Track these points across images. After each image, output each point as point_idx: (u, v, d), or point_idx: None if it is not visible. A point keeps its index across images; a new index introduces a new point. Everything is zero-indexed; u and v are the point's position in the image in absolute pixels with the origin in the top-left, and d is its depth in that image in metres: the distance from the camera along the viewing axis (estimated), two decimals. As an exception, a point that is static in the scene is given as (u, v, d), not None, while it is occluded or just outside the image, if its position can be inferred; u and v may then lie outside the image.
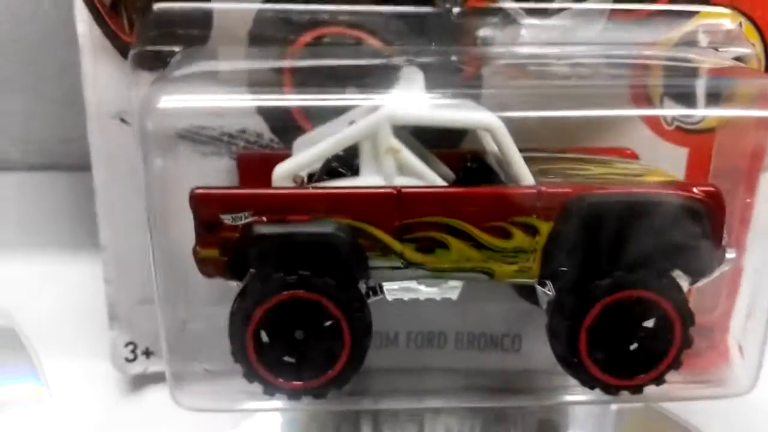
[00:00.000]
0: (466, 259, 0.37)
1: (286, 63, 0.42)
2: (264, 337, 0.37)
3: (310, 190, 0.37)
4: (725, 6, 0.47)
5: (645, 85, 0.47)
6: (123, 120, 0.49)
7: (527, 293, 0.48)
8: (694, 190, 0.38)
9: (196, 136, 0.50)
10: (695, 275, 0.39)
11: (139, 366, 0.52)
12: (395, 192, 0.37)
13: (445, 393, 0.49)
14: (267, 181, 0.43)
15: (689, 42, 0.48)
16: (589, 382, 0.39)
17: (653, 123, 0.50)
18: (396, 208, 0.37)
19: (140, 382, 0.52)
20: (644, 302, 0.37)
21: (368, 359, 0.39)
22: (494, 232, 0.37)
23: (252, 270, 0.37)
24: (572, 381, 0.45)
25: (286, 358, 0.37)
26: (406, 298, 0.40)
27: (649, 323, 0.37)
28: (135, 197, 0.50)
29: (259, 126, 0.50)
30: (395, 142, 0.37)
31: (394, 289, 0.39)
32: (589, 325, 0.37)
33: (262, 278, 0.37)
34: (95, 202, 0.51)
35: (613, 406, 0.51)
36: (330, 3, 0.46)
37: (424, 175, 0.38)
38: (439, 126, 0.37)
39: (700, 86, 0.47)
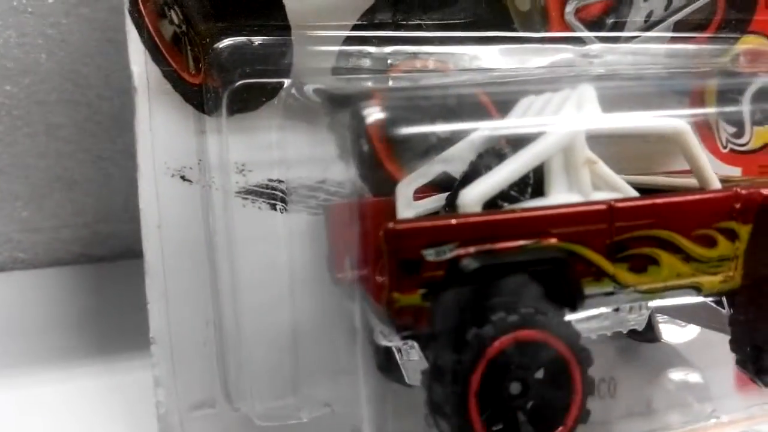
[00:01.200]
0: (676, 274, 0.34)
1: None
2: (490, 396, 0.30)
3: (523, 213, 0.32)
4: (757, 33, 0.52)
5: (703, 87, 0.50)
6: (184, 178, 0.41)
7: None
8: None
9: (273, 192, 0.42)
10: None
11: (200, 494, 0.41)
12: (607, 207, 0.33)
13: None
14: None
15: (734, 61, 0.52)
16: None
17: (711, 147, 0.52)
18: (608, 225, 0.33)
19: None
20: None
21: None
22: (701, 241, 0.34)
23: (456, 314, 0.31)
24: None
25: (516, 419, 0.30)
26: (594, 336, 0.36)
27: None
28: (195, 274, 0.41)
29: (341, 174, 0.44)
30: (592, 154, 0.34)
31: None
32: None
33: (480, 321, 0.30)
34: (145, 284, 0.41)
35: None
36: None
37: (621, 187, 0.34)
38: (631, 133, 0.34)
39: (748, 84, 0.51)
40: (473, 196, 0.32)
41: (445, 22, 0.44)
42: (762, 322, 0.36)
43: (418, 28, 0.43)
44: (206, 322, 0.42)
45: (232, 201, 0.41)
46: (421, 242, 0.30)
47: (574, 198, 0.33)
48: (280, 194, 0.42)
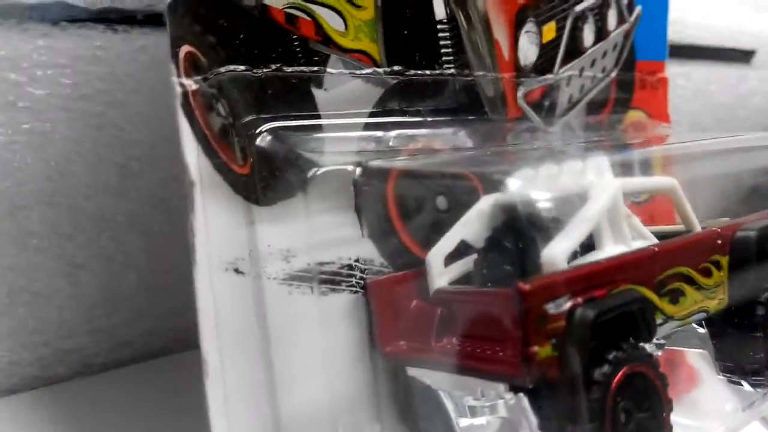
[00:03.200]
0: (694, 301, 0.42)
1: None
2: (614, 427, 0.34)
3: (614, 262, 0.37)
4: (637, 109, 0.65)
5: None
6: (237, 270, 0.39)
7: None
8: None
9: (317, 275, 0.42)
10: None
11: None
12: (652, 252, 0.39)
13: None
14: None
15: (625, 131, 0.65)
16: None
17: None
18: (654, 267, 0.39)
19: None
20: None
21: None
22: (704, 273, 0.42)
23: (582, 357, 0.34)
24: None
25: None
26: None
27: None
28: (252, 373, 0.39)
29: (370, 252, 0.45)
30: (628, 209, 0.40)
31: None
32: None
33: (599, 361, 0.34)
34: (206, 389, 0.38)
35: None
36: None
37: (648, 236, 0.41)
38: (640, 191, 0.42)
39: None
40: (560, 254, 0.36)
41: (437, 107, 0.49)
42: (740, 331, 0.45)
43: (418, 113, 0.48)
44: (263, 426, 0.40)
45: (282, 288, 0.40)
46: (546, 297, 0.34)
47: (621, 249, 0.40)
48: (324, 277, 0.42)
